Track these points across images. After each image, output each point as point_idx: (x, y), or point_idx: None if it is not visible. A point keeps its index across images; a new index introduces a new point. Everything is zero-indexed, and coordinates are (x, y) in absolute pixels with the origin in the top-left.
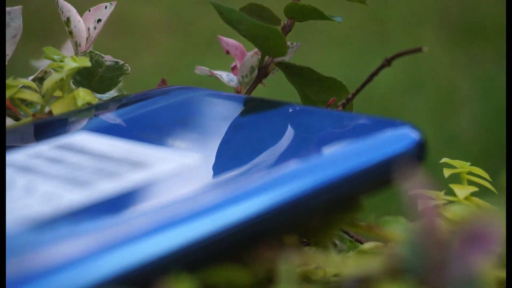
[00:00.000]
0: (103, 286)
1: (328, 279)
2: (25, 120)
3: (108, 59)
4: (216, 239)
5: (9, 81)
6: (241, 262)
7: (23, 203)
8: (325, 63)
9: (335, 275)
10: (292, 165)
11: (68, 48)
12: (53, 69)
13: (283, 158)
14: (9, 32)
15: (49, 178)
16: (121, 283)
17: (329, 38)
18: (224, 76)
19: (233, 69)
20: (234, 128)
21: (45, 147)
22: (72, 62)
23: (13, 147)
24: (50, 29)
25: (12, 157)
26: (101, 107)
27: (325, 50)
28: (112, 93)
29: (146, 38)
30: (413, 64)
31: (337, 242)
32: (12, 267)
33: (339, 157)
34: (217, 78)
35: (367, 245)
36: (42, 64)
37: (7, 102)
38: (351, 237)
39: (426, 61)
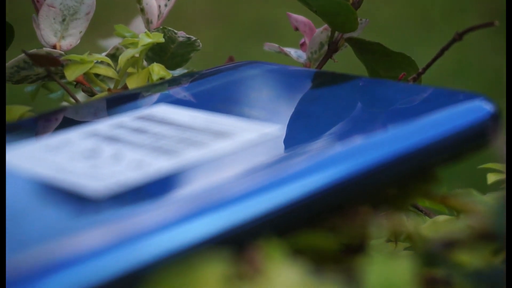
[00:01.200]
0: (195, 248)
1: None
2: (100, 94)
3: (181, 35)
4: (302, 204)
5: (84, 56)
6: (327, 229)
7: (113, 170)
8: None
9: (406, 248)
10: (370, 136)
11: (135, 27)
12: (125, 45)
13: (360, 129)
14: (82, 9)
15: (135, 147)
16: (213, 246)
17: (371, 25)
18: (293, 52)
19: (302, 45)
20: (308, 100)
21: (126, 118)
22: (146, 38)
23: (93, 119)
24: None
25: (95, 128)
26: (176, 81)
27: (367, 37)
28: (181, 70)
29: (188, 26)
30: (458, 51)
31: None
32: (115, 226)
33: (415, 128)
34: (286, 54)
35: (440, 218)
36: (109, 43)
37: (80, 78)
38: (420, 211)
39: (471, 48)
